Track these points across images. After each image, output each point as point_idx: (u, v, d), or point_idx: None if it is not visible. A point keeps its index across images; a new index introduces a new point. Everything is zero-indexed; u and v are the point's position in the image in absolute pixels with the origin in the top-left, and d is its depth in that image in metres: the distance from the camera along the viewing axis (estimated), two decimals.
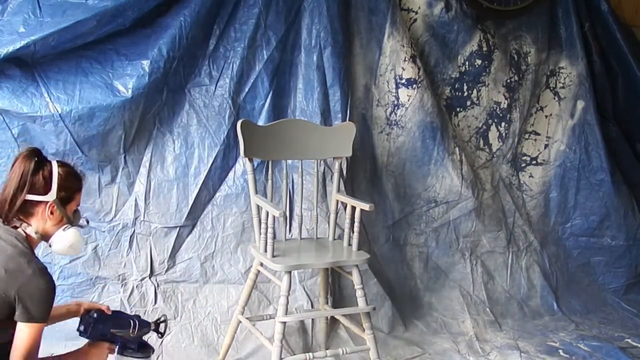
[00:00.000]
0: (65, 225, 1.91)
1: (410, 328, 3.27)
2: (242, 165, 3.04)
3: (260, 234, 2.64)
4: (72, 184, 1.92)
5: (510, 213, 3.75)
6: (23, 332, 1.79)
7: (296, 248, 2.75)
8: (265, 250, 2.57)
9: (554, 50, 3.85)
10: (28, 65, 2.69)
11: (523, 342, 3.24)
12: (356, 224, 2.68)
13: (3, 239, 1.81)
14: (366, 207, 2.61)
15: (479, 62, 3.62)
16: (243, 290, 2.78)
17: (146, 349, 2.19)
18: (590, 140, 3.84)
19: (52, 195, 1.85)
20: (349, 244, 2.76)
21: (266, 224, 2.54)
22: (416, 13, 3.45)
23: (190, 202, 2.97)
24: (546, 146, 3.89)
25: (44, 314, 1.80)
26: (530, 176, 3.88)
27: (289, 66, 3.15)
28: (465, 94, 3.64)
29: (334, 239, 2.90)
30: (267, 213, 2.51)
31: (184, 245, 3.00)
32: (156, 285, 2.94)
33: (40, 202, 1.85)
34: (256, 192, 2.70)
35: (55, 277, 2.75)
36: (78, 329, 2.06)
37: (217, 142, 2.99)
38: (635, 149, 4.12)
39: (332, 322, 3.05)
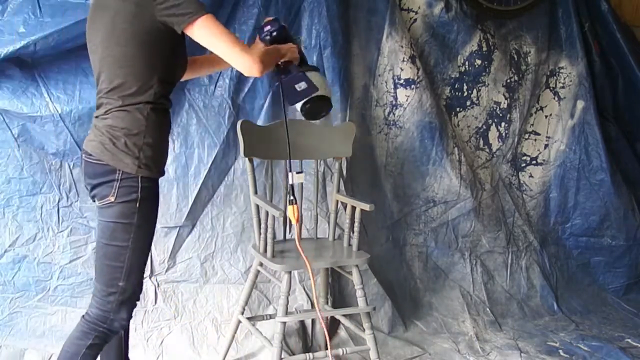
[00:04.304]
0: None
1: (410, 328, 3.27)
2: (242, 165, 3.04)
3: (260, 234, 2.64)
4: None
5: (509, 213, 3.75)
6: (202, 30, 1.82)
7: (296, 248, 2.75)
8: (265, 250, 2.57)
9: (554, 50, 3.85)
10: (28, 65, 2.68)
11: (523, 342, 3.23)
12: (356, 224, 2.68)
13: None
14: (366, 207, 2.61)
15: (478, 62, 3.62)
16: (243, 290, 2.78)
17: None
18: (590, 140, 3.84)
19: None
20: (349, 244, 2.76)
21: (266, 224, 2.54)
22: (416, 13, 3.45)
23: (190, 202, 2.97)
24: (546, 146, 3.89)
25: (196, 4, 1.80)
26: (530, 176, 3.88)
27: None
28: (465, 94, 3.64)
29: (334, 239, 2.90)
30: (267, 213, 2.51)
31: (184, 245, 3.00)
32: (156, 285, 2.94)
33: None
34: (256, 192, 2.70)
35: (55, 277, 2.78)
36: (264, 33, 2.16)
37: (216, 142, 2.99)
38: (635, 149, 4.11)
39: (332, 322, 3.05)
